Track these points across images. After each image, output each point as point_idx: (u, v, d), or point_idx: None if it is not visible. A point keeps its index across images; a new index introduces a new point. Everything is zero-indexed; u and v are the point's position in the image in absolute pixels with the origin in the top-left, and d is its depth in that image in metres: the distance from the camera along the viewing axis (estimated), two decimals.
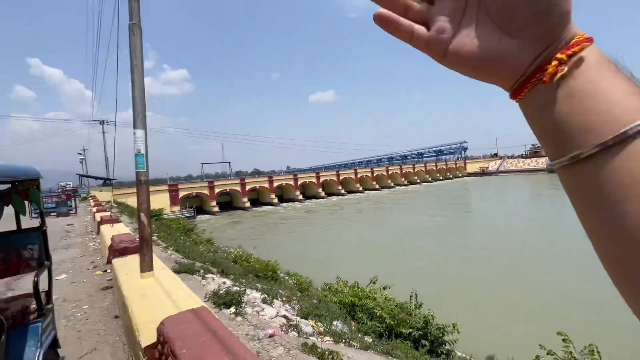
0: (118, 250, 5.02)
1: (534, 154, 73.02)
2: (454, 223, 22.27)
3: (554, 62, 0.28)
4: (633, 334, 5.43)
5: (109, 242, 5.93)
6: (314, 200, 48.11)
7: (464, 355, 5.94)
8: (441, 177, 71.12)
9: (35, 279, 2.14)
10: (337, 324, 4.73)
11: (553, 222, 19.83)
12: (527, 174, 65.21)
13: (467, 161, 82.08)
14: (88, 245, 9.05)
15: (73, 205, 20.45)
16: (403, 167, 67.89)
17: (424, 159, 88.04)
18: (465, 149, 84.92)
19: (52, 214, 18.31)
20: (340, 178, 54.95)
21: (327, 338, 3.94)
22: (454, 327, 5.17)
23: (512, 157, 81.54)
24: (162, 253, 6.66)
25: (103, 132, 45.37)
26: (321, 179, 52.54)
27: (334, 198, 50.01)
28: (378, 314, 5.41)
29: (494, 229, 19.22)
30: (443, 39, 0.32)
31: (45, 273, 2.53)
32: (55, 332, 2.49)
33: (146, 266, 3.75)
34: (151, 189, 4.20)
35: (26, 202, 2.51)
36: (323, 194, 51.40)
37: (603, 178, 0.26)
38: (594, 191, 0.27)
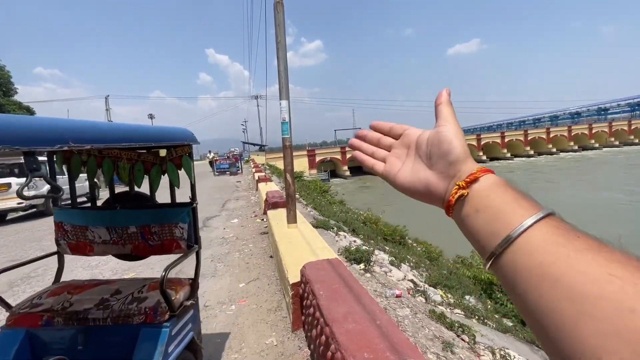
0: (271, 203, 6.09)
1: None
2: None
3: (455, 188, 0.38)
4: None
5: (264, 197, 7.26)
6: None
7: None
8: (638, 141, 52.08)
9: (164, 273, 1.52)
10: (470, 299, 4.41)
11: None
12: None
13: None
14: (250, 199, 11.33)
15: (240, 166, 25.76)
16: (572, 127, 52.99)
17: (609, 115, 65.90)
18: None
19: (226, 172, 23.83)
20: (482, 143, 48.05)
21: (457, 311, 3.75)
22: None
23: None
24: (303, 209, 7.66)
25: (257, 106, 53.91)
26: None
27: None
28: None
29: None
30: (392, 171, 0.47)
31: (193, 257, 1.96)
32: (193, 333, 1.88)
33: (291, 218, 4.42)
34: (294, 153, 4.79)
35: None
36: None
37: (511, 273, 0.31)
38: (510, 284, 0.31)
